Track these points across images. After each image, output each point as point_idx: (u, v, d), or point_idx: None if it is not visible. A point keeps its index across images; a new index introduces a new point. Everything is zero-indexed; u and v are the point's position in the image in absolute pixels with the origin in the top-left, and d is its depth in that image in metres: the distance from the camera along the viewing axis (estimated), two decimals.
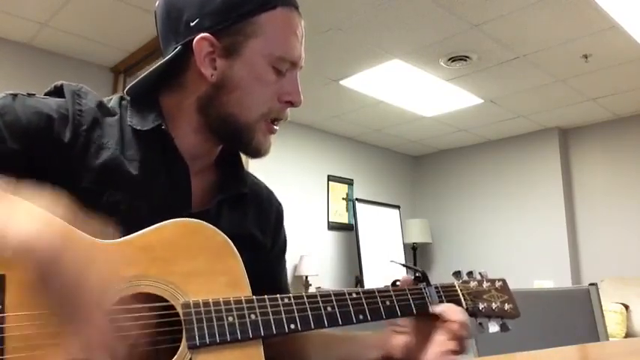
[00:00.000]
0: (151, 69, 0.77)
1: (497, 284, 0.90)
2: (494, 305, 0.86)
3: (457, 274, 0.89)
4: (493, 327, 0.85)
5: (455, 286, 0.86)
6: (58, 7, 2.98)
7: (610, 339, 1.86)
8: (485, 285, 0.88)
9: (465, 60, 3.63)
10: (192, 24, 0.74)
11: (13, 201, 0.53)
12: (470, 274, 0.90)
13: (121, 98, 0.80)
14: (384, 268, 5.07)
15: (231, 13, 0.73)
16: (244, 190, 0.87)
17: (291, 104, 0.79)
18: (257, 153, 0.80)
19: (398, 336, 0.80)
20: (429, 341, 0.76)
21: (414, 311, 0.78)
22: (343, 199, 5.39)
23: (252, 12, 0.74)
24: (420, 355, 0.76)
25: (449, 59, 3.62)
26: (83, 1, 2.92)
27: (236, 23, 0.73)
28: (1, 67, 3.34)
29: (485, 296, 0.87)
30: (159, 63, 0.77)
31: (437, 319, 0.77)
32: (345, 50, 3.48)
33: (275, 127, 0.80)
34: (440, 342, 0.75)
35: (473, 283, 0.88)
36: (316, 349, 0.88)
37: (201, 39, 0.73)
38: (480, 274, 0.90)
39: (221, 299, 0.64)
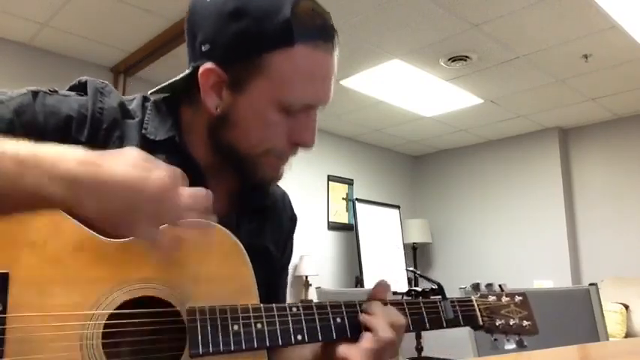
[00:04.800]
0: (175, 78, 0.75)
1: (517, 299, 0.86)
2: (512, 322, 0.83)
3: (476, 287, 0.86)
4: (509, 344, 0.82)
5: (472, 301, 0.82)
6: (58, 7, 2.98)
7: (610, 339, 1.86)
8: (504, 300, 0.85)
9: (465, 60, 3.63)
10: (203, 49, 0.70)
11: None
12: (489, 286, 0.86)
13: (144, 99, 0.78)
14: (384, 268, 5.07)
15: (242, 48, 0.67)
16: (266, 203, 0.85)
17: (300, 146, 0.73)
18: (261, 183, 0.78)
19: None
20: None
21: (427, 326, 0.75)
22: (343, 199, 5.39)
23: (264, 49, 0.67)
24: None
25: (449, 59, 3.62)
26: (83, 1, 2.92)
27: (246, 59, 0.68)
28: (1, 67, 3.34)
29: (503, 312, 0.83)
30: (181, 75, 0.75)
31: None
32: (345, 50, 3.47)
33: (282, 161, 0.75)
34: None
35: (491, 298, 0.84)
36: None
37: (207, 70, 0.69)
38: (499, 286, 0.87)
39: (227, 306, 0.62)
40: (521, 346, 0.82)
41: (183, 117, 0.77)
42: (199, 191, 0.60)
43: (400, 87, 4.15)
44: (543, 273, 4.83)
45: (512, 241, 5.17)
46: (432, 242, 5.76)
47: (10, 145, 0.55)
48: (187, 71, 0.73)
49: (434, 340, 5.17)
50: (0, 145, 0.54)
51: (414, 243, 5.56)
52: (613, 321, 3.85)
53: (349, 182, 5.47)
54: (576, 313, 1.66)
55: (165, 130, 0.74)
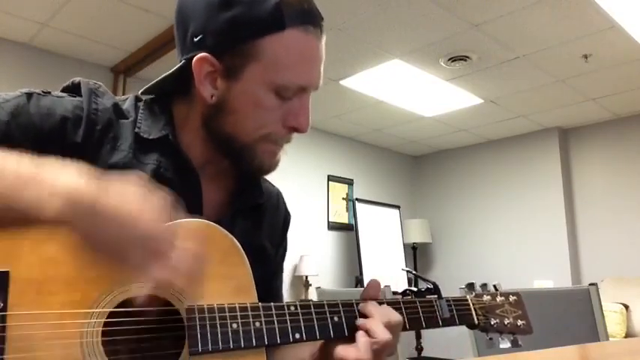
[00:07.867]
0: (167, 73, 0.76)
1: (511, 299, 0.88)
2: (506, 321, 0.84)
3: (470, 286, 0.87)
4: (504, 343, 0.83)
5: (467, 300, 0.83)
6: (58, 7, 2.98)
7: (610, 339, 1.86)
8: (498, 299, 0.86)
9: (465, 60, 3.63)
10: (195, 39, 0.71)
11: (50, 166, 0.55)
12: (484, 286, 0.88)
13: (137, 99, 0.79)
14: (384, 268, 5.07)
15: (235, 35, 0.69)
16: (261, 201, 0.85)
17: (296, 130, 0.74)
18: (259, 172, 0.78)
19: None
20: None
21: (424, 325, 0.76)
22: (343, 199, 5.39)
23: (256, 34, 0.68)
24: None
25: (449, 59, 3.62)
26: (83, 1, 2.92)
27: (238, 45, 0.69)
28: (1, 67, 3.33)
29: (498, 311, 0.85)
30: (173, 69, 0.75)
31: None
32: (345, 50, 3.47)
33: (279, 147, 0.76)
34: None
35: (486, 297, 0.86)
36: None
37: (200, 59, 0.70)
38: (494, 286, 0.88)
39: (226, 305, 0.63)
40: (516, 345, 0.83)
41: (177, 115, 0.78)
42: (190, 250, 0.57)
43: (400, 87, 4.15)
44: (543, 273, 4.83)
45: (512, 241, 5.17)
46: (432, 242, 5.76)
47: (12, 160, 0.55)
48: (179, 65, 0.74)
49: (434, 340, 5.17)
50: (1, 159, 0.55)
51: (413, 243, 5.56)
52: (613, 321, 3.85)
53: (349, 182, 5.47)
54: (576, 313, 1.66)
55: (159, 129, 0.75)
